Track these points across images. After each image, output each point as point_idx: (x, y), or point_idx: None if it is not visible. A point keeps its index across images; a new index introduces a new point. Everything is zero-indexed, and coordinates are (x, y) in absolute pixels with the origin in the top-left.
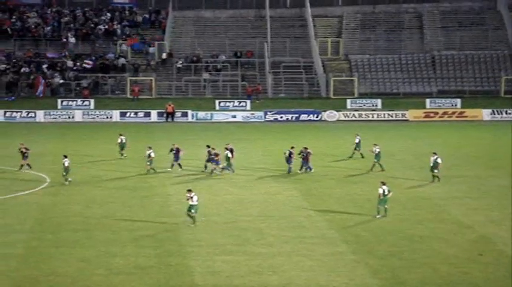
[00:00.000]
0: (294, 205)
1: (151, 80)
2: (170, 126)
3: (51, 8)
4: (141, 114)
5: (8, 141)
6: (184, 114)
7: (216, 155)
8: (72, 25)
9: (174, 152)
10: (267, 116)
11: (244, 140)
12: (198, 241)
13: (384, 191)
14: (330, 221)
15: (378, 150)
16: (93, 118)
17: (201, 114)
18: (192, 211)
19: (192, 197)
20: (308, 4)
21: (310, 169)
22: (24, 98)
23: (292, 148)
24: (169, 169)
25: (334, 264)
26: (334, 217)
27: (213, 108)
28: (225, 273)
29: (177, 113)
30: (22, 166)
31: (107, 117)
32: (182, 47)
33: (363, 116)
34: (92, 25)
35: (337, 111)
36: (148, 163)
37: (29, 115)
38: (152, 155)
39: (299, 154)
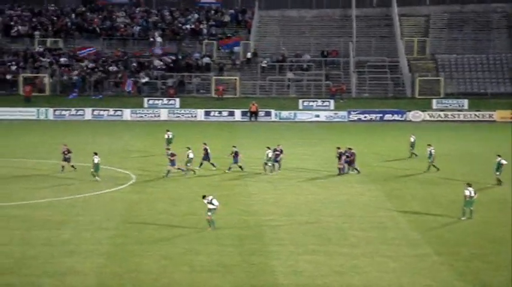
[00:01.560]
0: (376, 206)
1: (235, 79)
2: (253, 126)
3: (139, 8)
4: (225, 113)
5: (96, 139)
6: (268, 114)
7: (173, 155)
8: (159, 25)
9: (233, 155)
10: (350, 116)
11: (327, 140)
12: (280, 240)
13: (470, 193)
14: (413, 222)
15: (432, 151)
16: (178, 117)
17: (284, 113)
18: (209, 213)
19: (211, 202)
20: (395, 3)
21: (358, 171)
22: (111, 96)
23: (338, 148)
24: (227, 171)
25: (417, 266)
26: (418, 218)
27: (297, 108)
28: (307, 273)
29: (260, 112)
30: (63, 167)
31: (192, 116)
32: (267, 46)
33: (449, 116)
34: (179, 25)
35: (422, 111)
36: (188, 165)
37: (116, 113)
38: (191, 155)
39: (344, 153)
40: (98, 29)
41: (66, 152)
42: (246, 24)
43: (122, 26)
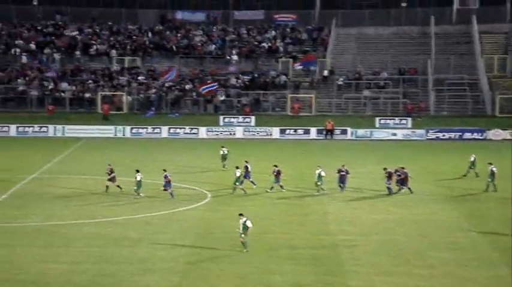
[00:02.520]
0: (454, 226)
1: (311, 97)
2: (329, 144)
3: (216, 26)
4: (300, 131)
5: (172, 157)
6: (344, 132)
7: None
8: (236, 43)
9: (275, 173)
10: (428, 134)
11: (404, 159)
12: (356, 260)
13: None
14: (492, 243)
15: (493, 169)
16: (253, 135)
17: (361, 131)
18: (242, 235)
19: (245, 222)
20: (475, 21)
21: (410, 191)
22: (187, 114)
23: (385, 169)
24: (269, 191)
25: None
26: (496, 238)
27: (373, 126)
28: None
29: (336, 131)
30: (107, 187)
31: (267, 134)
32: (344, 64)
33: None
34: (256, 43)
35: (503, 130)
36: (238, 184)
37: (192, 131)
38: (237, 174)
39: (395, 173)
40: (174, 47)
41: (109, 172)
42: (322, 42)
43: (199, 44)
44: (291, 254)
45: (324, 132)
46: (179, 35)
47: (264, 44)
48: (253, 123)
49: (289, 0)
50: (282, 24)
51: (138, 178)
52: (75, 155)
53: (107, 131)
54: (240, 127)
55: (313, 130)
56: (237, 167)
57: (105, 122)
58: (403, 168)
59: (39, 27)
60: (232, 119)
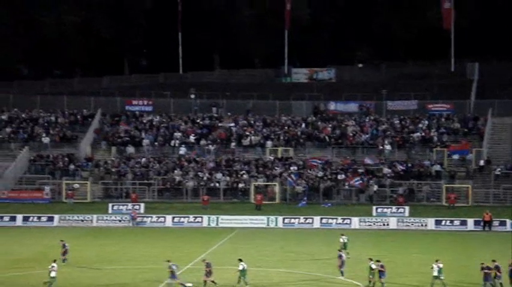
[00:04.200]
0: None
1: (468, 187)
2: (487, 236)
3: (369, 116)
4: (456, 222)
5: (326, 248)
6: (503, 223)
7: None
8: (388, 132)
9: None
10: None
11: None
12: None
13: None
14: None
15: None
16: (408, 226)
17: None
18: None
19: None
20: None
21: None
22: (340, 205)
23: (482, 264)
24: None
25: None
26: None
27: None
28: None
29: (494, 222)
30: (205, 282)
31: (422, 225)
32: (501, 153)
33: None
34: (408, 133)
35: None
36: (371, 276)
37: (345, 222)
38: (373, 266)
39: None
40: (327, 137)
41: (205, 267)
42: (478, 131)
43: (351, 134)
44: None
45: (482, 224)
46: (332, 125)
47: (417, 134)
48: (407, 213)
49: (443, 90)
50: (436, 114)
51: (241, 267)
52: (228, 246)
53: (259, 221)
54: (393, 218)
55: (470, 221)
56: (371, 259)
57: (257, 212)
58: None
59: (197, 120)
60: (385, 210)
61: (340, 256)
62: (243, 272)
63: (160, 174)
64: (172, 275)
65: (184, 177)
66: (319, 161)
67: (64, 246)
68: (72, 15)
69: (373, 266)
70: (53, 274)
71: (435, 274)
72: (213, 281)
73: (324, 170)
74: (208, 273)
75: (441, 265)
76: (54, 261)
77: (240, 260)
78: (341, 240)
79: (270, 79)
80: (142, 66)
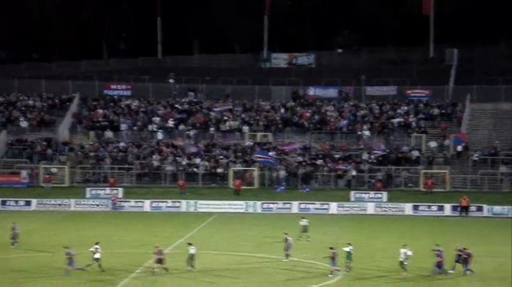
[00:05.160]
0: None
1: (445, 173)
2: (464, 221)
3: (348, 102)
4: (434, 207)
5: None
6: (480, 209)
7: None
8: (367, 118)
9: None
10: None
11: None
12: None
13: None
14: None
15: None
16: (385, 211)
17: (497, 209)
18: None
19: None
20: None
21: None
22: (318, 190)
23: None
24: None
25: None
26: None
27: (510, 203)
28: None
29: (471, 207)
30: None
31: (399, 211)
32: (478, 139)
33: None
34: (387, 118)
35: None
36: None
37: (323, 207)
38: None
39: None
40: (306, 123)
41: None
42: (456, 117)
43: (331, 120)
44: None
45: (459, 209)
46: (311, 111)
47: (396, 120)
48: (385, 199)
49: (422, 75)
50: (415, 100)
51: (192, 251)
52: (206, 231)
53: (238, 206)
54: (371, 203)
55: (447, 207)
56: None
57: (236, 197)
58: (465, 249)
59: (176, 105)
60: (363, 195)
61: (286, 239)
62: (190, 255)
63: (139, 158)
64: (70, 261)
65: (163, 162)
66: (293, 147)
67: (14, 229)
68: None
69: (347, 249)
70: (97, 255)
71: (401, 259)
72: (165, 268)
73: (303, 156)
74: (160, 260)
75: (410, 253)
76: (97, 243)
77: (190, 244)
78: (301, 223)
79: (249, 64)
80: (121, 51)
